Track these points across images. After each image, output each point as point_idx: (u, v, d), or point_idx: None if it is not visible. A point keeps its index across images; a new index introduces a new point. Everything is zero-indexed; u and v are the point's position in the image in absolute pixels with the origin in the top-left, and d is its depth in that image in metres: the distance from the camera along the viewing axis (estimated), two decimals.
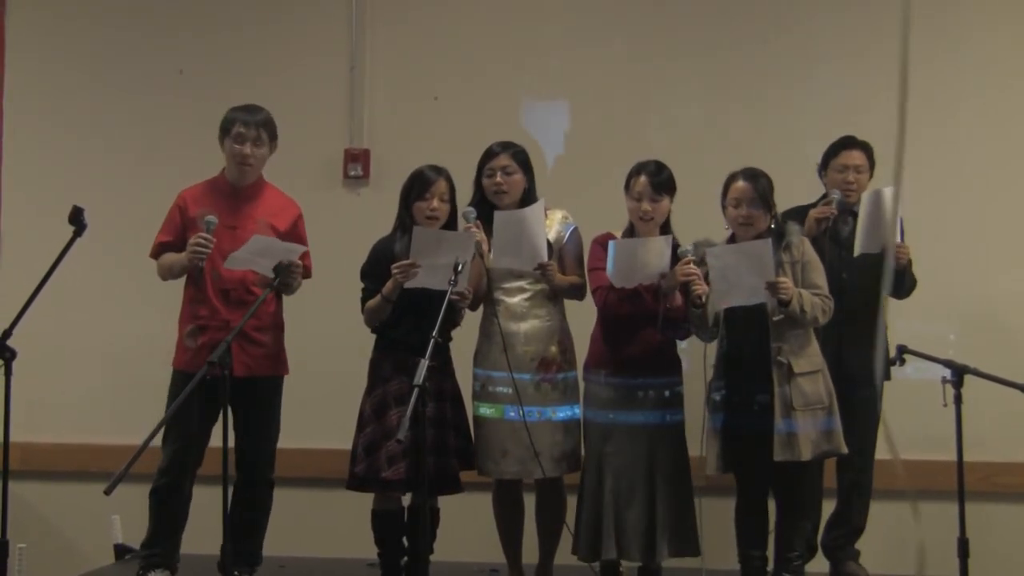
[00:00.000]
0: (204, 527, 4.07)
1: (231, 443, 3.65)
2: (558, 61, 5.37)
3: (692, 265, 3.98)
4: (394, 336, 4.13)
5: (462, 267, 3.86)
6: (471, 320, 4.32)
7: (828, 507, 4.49)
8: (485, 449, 4.21)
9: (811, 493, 4.21)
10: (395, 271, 4.01)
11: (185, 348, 4.24)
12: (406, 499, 4.20)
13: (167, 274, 4.30)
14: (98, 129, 5.47)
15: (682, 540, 4.14)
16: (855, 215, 4.37)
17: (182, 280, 4.30)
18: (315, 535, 5.03)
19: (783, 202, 4.18)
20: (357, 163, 5.35)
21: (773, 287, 3.91)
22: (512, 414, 4.15)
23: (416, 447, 3.82)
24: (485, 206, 4.26)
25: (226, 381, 3.56)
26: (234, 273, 4.16)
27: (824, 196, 4.48)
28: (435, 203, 4.13)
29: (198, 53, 5.45)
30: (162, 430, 3.77)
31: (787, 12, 5.28)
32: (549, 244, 4.21)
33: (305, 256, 4.28)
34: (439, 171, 4.17)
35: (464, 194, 4.27)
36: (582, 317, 4.34)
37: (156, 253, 4.31)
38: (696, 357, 4.18)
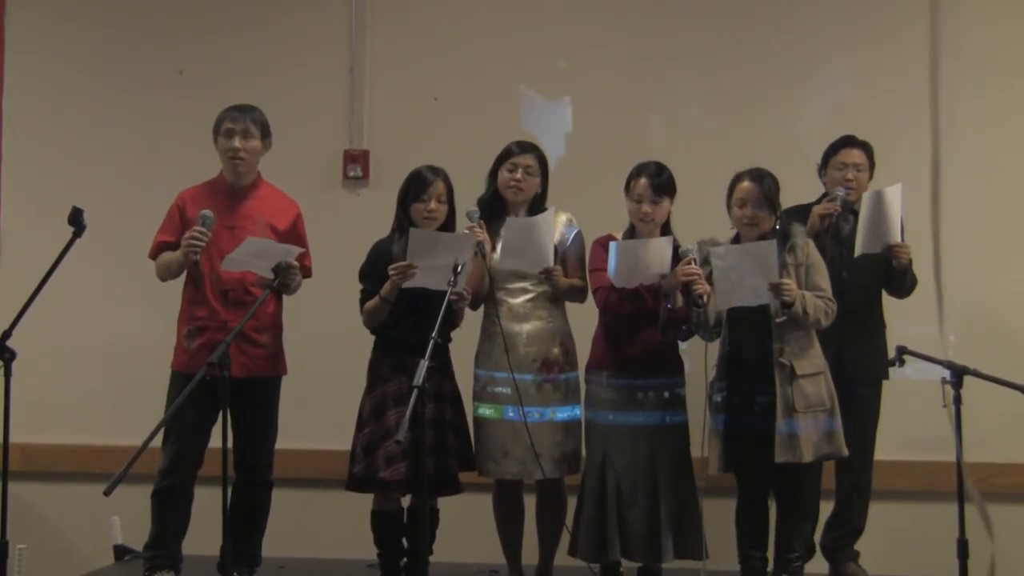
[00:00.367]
0: (203, 528, 4.09)
1: (230, 444, 3.64)
2: (558, 61, 5.37)
3: (694, 265, 3.98)
4: (393, 337, 4.13)
5: (461, 268, 3.85)
6: (471, 321, 4.31)
7: (826, 508, 4.48)
8: (486, 449, 4.21)
9: (811, 494, 4.20)
10: (392, 272, 4.01)
11: (184, 349, 4.24)
12: (406, 500, 4.19)
13: (165, 273, 4.29)
14: (98, 129, 5.47)
15: (687, 542, 4.13)
16: (856, 214, 4.37)
17: (181, 281, 4.30)
18: (314, 536, 5.02)
19: (784, 202, 4.17)
20: (357, 163, 5.35)
21: (777, 289, 3.90)
22: (512, 414, 4.15)
23: (415, 448, 3.82)
24: (496, 202, 4.26)
25: (225, 382, 3.56)
26: (233, 274, 4.16)
27: (826, 194, 4.47)
28: (433, 204, 4.12)
29: (198, 53, 5.44)
30: (162, 431, 3.76)
31: (787, 12, 5.27)
32: (555, 248, 4.21)
33: (305, 256, 4.28)
34: (437, 172, 4.16)
35: (464, 194, 4.26)
36: (584, 319, 4.34)
37: (155, 253, 4.31)
38: (698, 358, 4.18)
